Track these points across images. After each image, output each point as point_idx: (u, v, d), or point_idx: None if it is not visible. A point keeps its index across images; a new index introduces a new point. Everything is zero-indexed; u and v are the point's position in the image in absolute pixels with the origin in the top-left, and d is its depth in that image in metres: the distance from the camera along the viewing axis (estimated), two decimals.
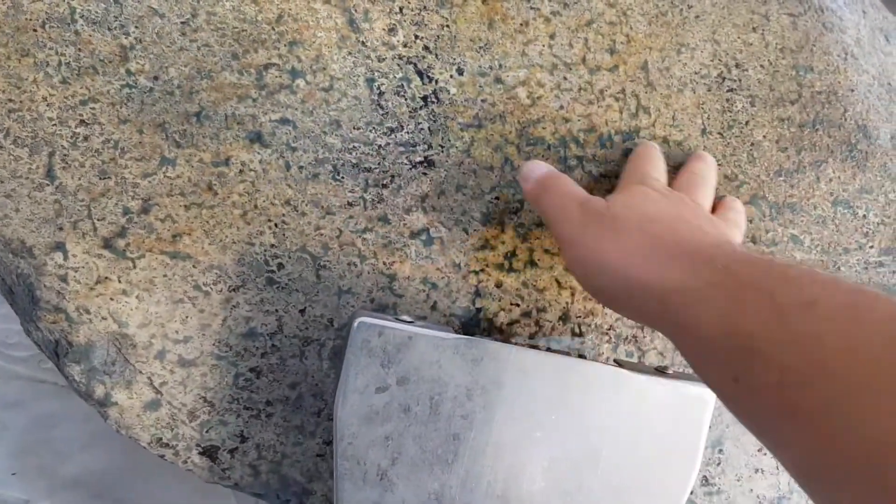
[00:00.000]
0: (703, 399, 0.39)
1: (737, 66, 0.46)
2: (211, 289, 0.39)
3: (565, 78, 0.44)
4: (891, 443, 0.20)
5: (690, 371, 0.44)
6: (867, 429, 0.21)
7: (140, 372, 0.39)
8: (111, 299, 0.39)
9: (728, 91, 0.46)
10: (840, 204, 0.46)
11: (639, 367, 0.40)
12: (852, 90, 0.48)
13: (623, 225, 0.33)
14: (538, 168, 0.40)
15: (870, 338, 0.22)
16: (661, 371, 0.40)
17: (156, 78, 0.39)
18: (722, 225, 0.37)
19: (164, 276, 0.39)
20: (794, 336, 0.24)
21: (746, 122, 0.46)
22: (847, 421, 0.21)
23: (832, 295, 0.24)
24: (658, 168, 0.41)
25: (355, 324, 0.37)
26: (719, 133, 0.45)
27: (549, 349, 0.43)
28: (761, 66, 0.46)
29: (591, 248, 0.34)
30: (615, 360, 0.43)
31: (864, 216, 0.47)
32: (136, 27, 0.39)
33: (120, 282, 0.39)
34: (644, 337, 0.44)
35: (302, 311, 0.40)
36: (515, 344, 0.42)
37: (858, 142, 0.47)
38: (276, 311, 0.40)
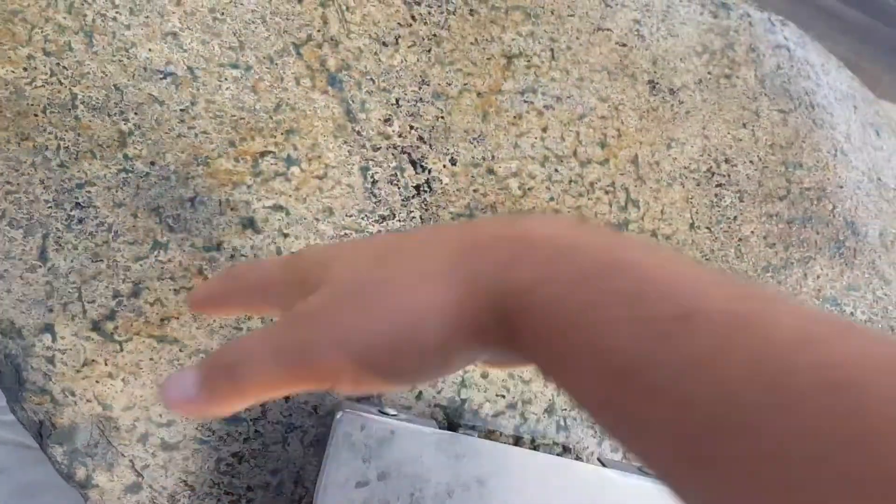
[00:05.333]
0: None
1: (726, 161, 0.47)
2: None
3: (556, 170, 0.44)
4: None
5: None
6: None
7: (122, 454, 0.39)
8: (97, 382, 0.39)
9: (717, 186, 0.46)
10: (827, 300, 0.47)
11: (622, 467, 0.40)
12: (841, 186, 0.48)
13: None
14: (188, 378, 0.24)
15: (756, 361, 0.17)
16: (643, 471, 0.39)
17: (153, 163, 0.40)
18: None
19: (151, 359, 0.39)
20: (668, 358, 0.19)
21: (735, 218, 0.46)
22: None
23: (711, 303, 0.19)
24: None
25: (338, 416, 0.37)
26: (707, 227, 0.46)
27: (533, 441, 0.43)
28: (750, 161, 0.47)
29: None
30: (599, 459, 0.43)
31: (852, 313, 0.47)
32: (136, 113, 0.40)
33: (107, 364, 0.39)
34: None
35: (286, 398, 0.40)
36: (499, 440, 0.42)
37: (847, 238, 0.48)
38: None
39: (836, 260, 0.47)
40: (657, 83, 0.47)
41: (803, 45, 0.53)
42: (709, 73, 0.49)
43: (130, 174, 0.39)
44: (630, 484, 0.38)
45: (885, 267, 0.48)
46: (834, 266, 0.47)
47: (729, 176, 0.47)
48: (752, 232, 0.46)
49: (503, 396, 0.43)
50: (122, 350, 0.39)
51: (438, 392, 0.42)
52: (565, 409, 0.43)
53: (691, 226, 0.46)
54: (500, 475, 0.37)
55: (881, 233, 0.49)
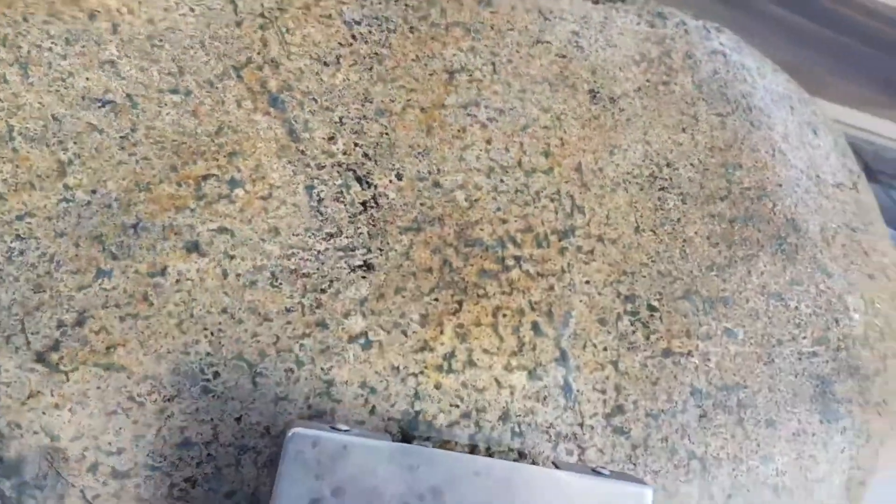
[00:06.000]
0: (640, 497, 0.39)
1: (668, 165, 0.48)
2: (145, 399, 0.39)
3: (502, 180, 0.45)
4: None
5: (628, 470, 0.44)
6: None
7: (72, 485, 0.39)
8: (43, 413, 0.38)
9: (660, 189, 0.47)
10: (772, 296, 0.48)
11: (576, 468, 0.40)
12: (780, 185, 0.50)
13: None
14: None
15: None
16: (597, 472, 0.40)
17: (93, 191, 0.40)
18: None
19: (98, 388, 0.39)
20: None
21: (678, 220, 0.47)
22: None
23: None
24: None
25: (289, 434, 0.37)
26: (652, 230, 0.47)
27: (488, 449, 0.43)
28: (691, 164, 0.48)
29: None
30: (553, 462, 0.43)
31: (796, 307, 0.48)
32: (75, 143, 0.39)
33: (52, 395, 0.38)
34: (584, 434, 0.44)
35: (238, 420, 0.40)
36: (453, 449, 0.42)
37: (788, 235, 0.49)
38: (212, 419, 0.40)
39: (779, 256, 0.48)
40: (598, 92, 0.48)
41: (739, 50, 0.54)
42: (647, 80, 0.50)
43: (71, 203, 0.39)
44: (584, 485, 0.38)
45: (827, 261, 0.49)
46: (776, 262, 0.48)
47: (671, 179, 0.48)
48: (696, 233, 0.47)
49: (457, 406, 0.43)
50: (67, 380, 0.38)
51: (392, 405, 0.42)
52: (520, 415, 0.43)
53: (636, 229, 0.46)
54: (455, 483, 0.38)
55: (822, 228, 0.50)
